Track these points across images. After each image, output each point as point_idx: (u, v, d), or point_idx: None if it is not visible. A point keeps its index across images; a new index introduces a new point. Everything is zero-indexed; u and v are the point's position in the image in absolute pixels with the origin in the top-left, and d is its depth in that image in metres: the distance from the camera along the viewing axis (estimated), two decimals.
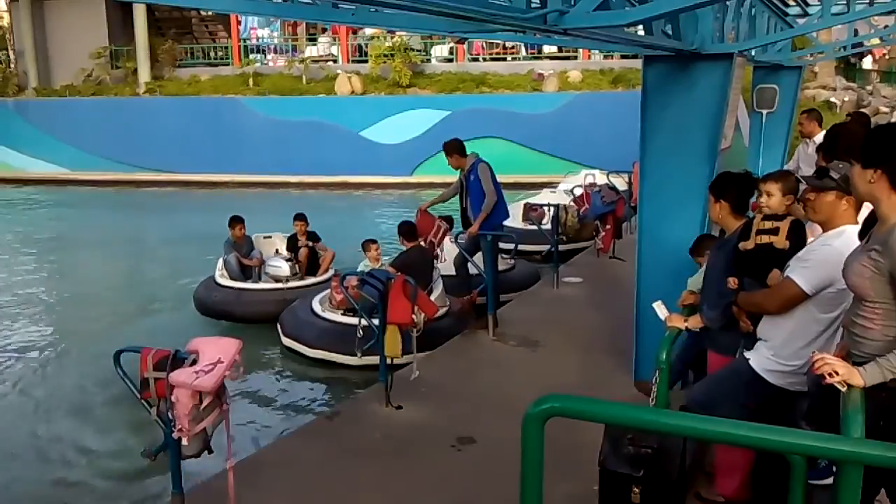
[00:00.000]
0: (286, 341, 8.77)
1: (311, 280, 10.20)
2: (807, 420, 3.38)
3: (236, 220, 10.63)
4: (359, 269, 8.59)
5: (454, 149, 8.21)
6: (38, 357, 9.34)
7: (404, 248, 8.53)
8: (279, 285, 10.00)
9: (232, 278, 10.18)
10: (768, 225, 3.92)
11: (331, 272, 10.15)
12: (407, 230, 8.43)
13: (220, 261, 10.45)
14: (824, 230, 3.48)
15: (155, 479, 5.97)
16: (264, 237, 11.17)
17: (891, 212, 2.72)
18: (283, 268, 10.10)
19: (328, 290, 9.05)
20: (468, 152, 8.26)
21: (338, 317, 8.46)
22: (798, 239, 3.78)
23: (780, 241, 3.84)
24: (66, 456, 6.75)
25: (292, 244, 10.64)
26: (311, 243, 10.58)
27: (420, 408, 6.02)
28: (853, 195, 3.14)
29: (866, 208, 3.13)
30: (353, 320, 7.72)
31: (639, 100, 5.89)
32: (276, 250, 10.88)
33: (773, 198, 3.99)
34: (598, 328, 7.90)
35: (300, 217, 10.71)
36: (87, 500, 6.09)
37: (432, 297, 7.65)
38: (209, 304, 10.02)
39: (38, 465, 6.60)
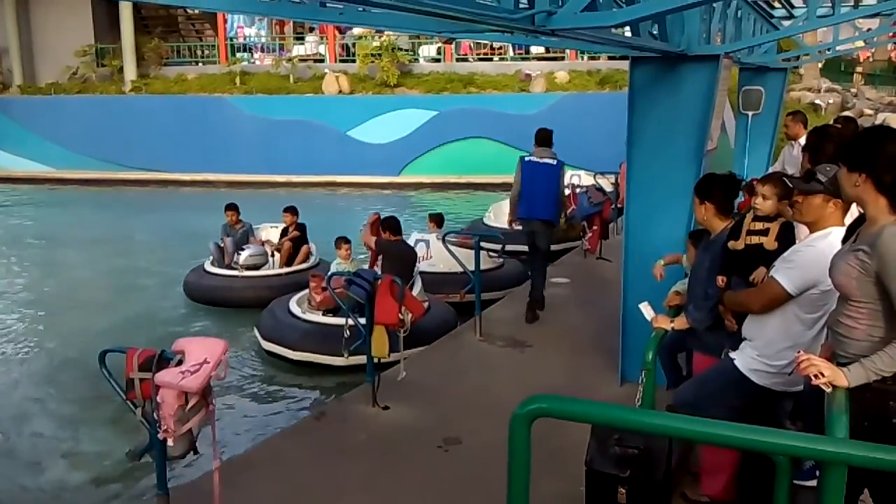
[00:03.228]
0: (266, 345, 8.64)
1: (262, 273, 10.77)
2: (792, 420, 3.41)
3: (229, 207, 11.46)
4: (332, 268, 8.63)
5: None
6: (21, 356, 9.27)
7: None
8: (235, 272, 10.64)
9: (214, 263, 11.03)
10: (759, 226, 3.96)
11: (294, 268, 10.85)
12: (391, 225, 8.44)
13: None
14: (811, 232, 3.50)
15: (140, 480, 5.95)
16: (271, 227, 11.82)
17: (879, 213, 2.75)
18: (240, 257, 10.74)
19: (306, 291, 9.05)
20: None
21: (319, 318, 8.42)
22: (788, 240, 3.81)
23: (770, 243, 3.88)
24: (49, 456, 6.70)
25: (283, 235, 11.24)
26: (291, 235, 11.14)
27: (407, 408, 6.01)
28: (841, 197, 3.16)
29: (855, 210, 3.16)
30: (334, 321, 7.71)
31: (626, 101, 5.91)
32: (261, 240, 11.44)
33: (767, 201, 4.00)
34: (584, 329, 7.91)
35: (288, 209, 11.26)
36: (71, 501, 6.05)
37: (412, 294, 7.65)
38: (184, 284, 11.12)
39: (21, 466, 6.55)
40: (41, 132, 25.04)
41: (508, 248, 9.82)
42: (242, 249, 10.82)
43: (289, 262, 11.00)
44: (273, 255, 11.18)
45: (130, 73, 26.01)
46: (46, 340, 9.85)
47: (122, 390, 3.90)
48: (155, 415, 3.77)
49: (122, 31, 25.92)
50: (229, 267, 10.82)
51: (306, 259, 11.07)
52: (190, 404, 3.75)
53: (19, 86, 26.87)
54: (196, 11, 26.91)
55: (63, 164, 24.76)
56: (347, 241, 9.23)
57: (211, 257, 11.13)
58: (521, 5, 3.86)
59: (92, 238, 16.53)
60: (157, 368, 3.75)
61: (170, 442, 3.80)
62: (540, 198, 8.17)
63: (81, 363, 8.23)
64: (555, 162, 8.18)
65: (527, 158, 8.29)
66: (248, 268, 10.65)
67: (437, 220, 10.92)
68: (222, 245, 11.17)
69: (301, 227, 11.24)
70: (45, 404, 7.82)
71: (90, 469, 6.42)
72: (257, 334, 8.87)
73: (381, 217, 8.59)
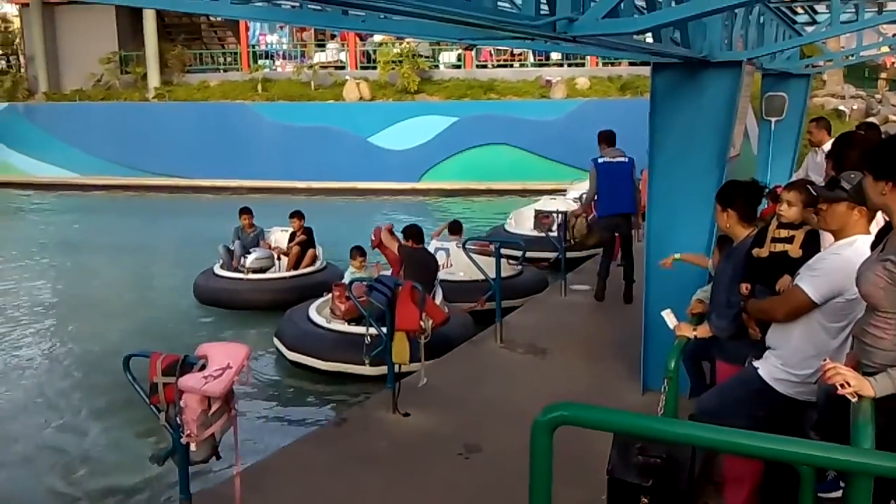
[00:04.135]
0: (292, 355, 8.55)
1: (268, 276, 10.94)
2: (815, 430, 3.37)
3: (243, 211, 11.75)
4: (347, 277, 8.66)
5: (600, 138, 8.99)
6: (46, 360, 9.37)
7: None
8: (241, 275, 10.85)
9: (224, 266, 11.23)
10: (784, 233, 3.92)
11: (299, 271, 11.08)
12: (413, 233, 8.46)
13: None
14: (836, 239, 3.47)
15: (163, 484, 5.98)
16: (281, 230, 12.00)
17: None
18: (247, 260, 10.92)
19: (323, 299, 9.05)
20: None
21: (346, 327, 8.41)
22: (813, 249, 3.77)
23: (795, 251, 3.84)
24: (73, 460, 6.76)
25: (291, 240, 11.45)
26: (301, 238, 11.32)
27: (427, 415, 6.01)
28: (866, 205, 3.13)
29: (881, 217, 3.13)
30: (362, 330, 7.70)
31: (647, 107, 5.89)
32: (268, 244, 11.65)
33: (792, 208, 3.97)
34: (606, 336, 7.88)
35: (295, 214, 11.45)
36: None
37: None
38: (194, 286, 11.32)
39: (46, 469, 6.62)
40: (66, 138, 25.33)
41: (529, 255, 9.79)
42: (249, 252, 10.98)
43: (296, 265, 11.18)
44: (279, 259, 11.37)
45: (154, 80, 26.28)
46: (69, 344, 9.95)
47: (145, 395, 3.93)
48: (178, 419, 3.80)
49: (145, 39, 26.18)
50: (237, 270, 11.00)
51: (312, 262, 11.27)
52: (213, 409, 3.78)
53: (45, 92, 27.21)
54: (219, 19, 27.15)
55: (87, 170, 25.03)
56: (363, 254, 9.23)
57: (220, 260, 11.32)
58: (542, 12, 3.86)
59: (115, 243, 16.68)
60: (181, 373, 3.78)
61: (192, 447, 3.83)
62: (620, 194, 8.76)
63: (104, 367, 8.30)
64: (626, 159, 8.78)
65: (600, 160, 8.80)
66: (255, 271, 10.84)
67: (456, 227, 10.95)
68: (232, 248, 11.37)
69: (308, 231, 11.40)
70: (69, 408, 7.90)
71: (113, 473, 6.47)
72: (279, 344, 8.80)
73: (406, 225, 8.64)
